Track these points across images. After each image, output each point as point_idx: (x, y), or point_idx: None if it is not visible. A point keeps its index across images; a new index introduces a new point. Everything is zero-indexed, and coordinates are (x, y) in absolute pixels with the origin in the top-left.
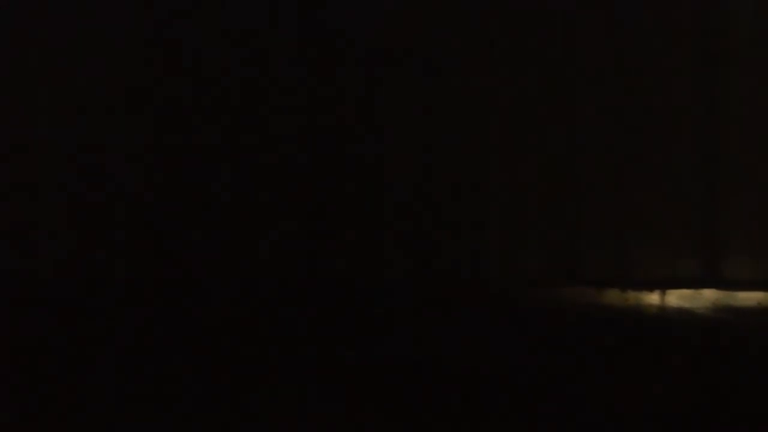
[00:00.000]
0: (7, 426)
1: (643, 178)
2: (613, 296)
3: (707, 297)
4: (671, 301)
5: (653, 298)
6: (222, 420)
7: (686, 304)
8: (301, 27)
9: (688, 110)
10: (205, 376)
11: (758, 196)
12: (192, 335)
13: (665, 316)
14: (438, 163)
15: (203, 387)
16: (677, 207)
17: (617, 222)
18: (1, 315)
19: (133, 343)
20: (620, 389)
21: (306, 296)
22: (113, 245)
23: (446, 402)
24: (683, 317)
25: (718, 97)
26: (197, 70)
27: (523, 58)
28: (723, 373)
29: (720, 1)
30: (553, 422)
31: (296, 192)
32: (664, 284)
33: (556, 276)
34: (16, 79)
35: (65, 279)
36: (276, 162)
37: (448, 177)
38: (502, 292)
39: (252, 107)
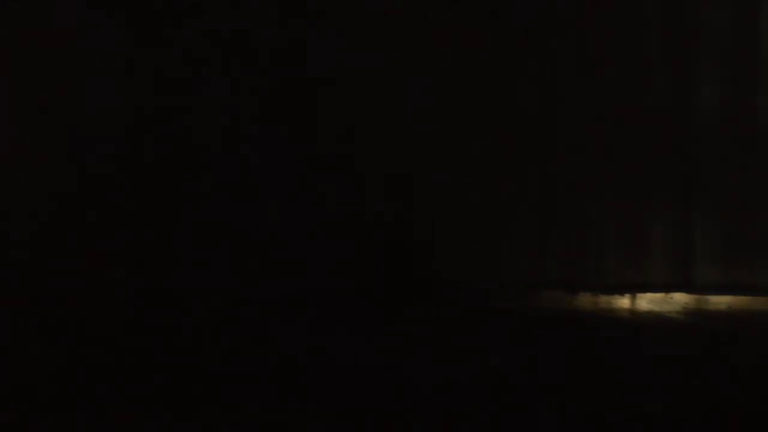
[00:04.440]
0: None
1: (614, 182)
2: (584, 300)
3: (678, 301)
4: (642, 305)
5: (624, 302)
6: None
7: (657, 308)
8: None
9: (660, 117)
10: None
11: (729, 201)
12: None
13: (635, 319)
14: (418, 171)
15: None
16: (648, 211)
17: (588, 226)
18: None
19: None
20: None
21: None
22: None
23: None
24: (653, 320)
25: (690, 104)
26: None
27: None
28: (690, 376)
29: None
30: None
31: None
32: (635, 288)
33: (527, 279)
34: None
35: None
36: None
37: (429, 185)
38: (474, 295)
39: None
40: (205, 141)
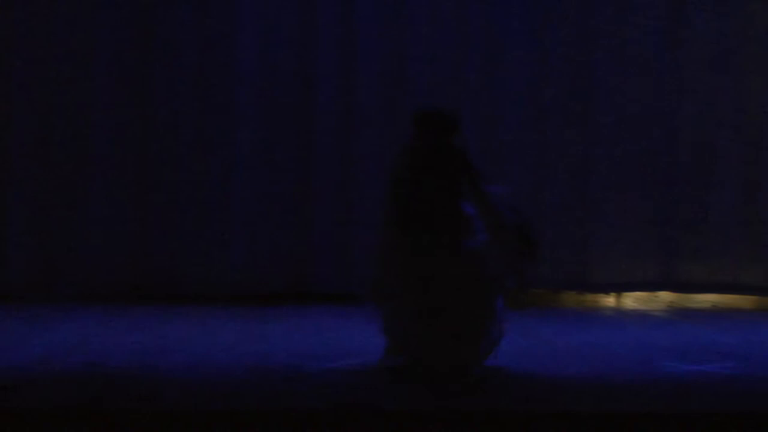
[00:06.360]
0: None
1: (601, 184)
2: (570, 298)
3: (663, 299)
4: (627, 303)
5: (609, 300)
6: None
7: (642, 306)
8: None
9: (647, 117)
10: None
11: (712, 202)
12: None
13: (619, 317)
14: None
15: None
16: (635, 212)
17: (576, 226)
18: None
19: None
20: None
21: None
22: None
23: None
24: (636, 319)
25: (677, 103)
26: None
27: None
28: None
29: None
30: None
31: None
32: (620, 287)
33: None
34: None
35: None
36: None
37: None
38: None
39: None
40: None
